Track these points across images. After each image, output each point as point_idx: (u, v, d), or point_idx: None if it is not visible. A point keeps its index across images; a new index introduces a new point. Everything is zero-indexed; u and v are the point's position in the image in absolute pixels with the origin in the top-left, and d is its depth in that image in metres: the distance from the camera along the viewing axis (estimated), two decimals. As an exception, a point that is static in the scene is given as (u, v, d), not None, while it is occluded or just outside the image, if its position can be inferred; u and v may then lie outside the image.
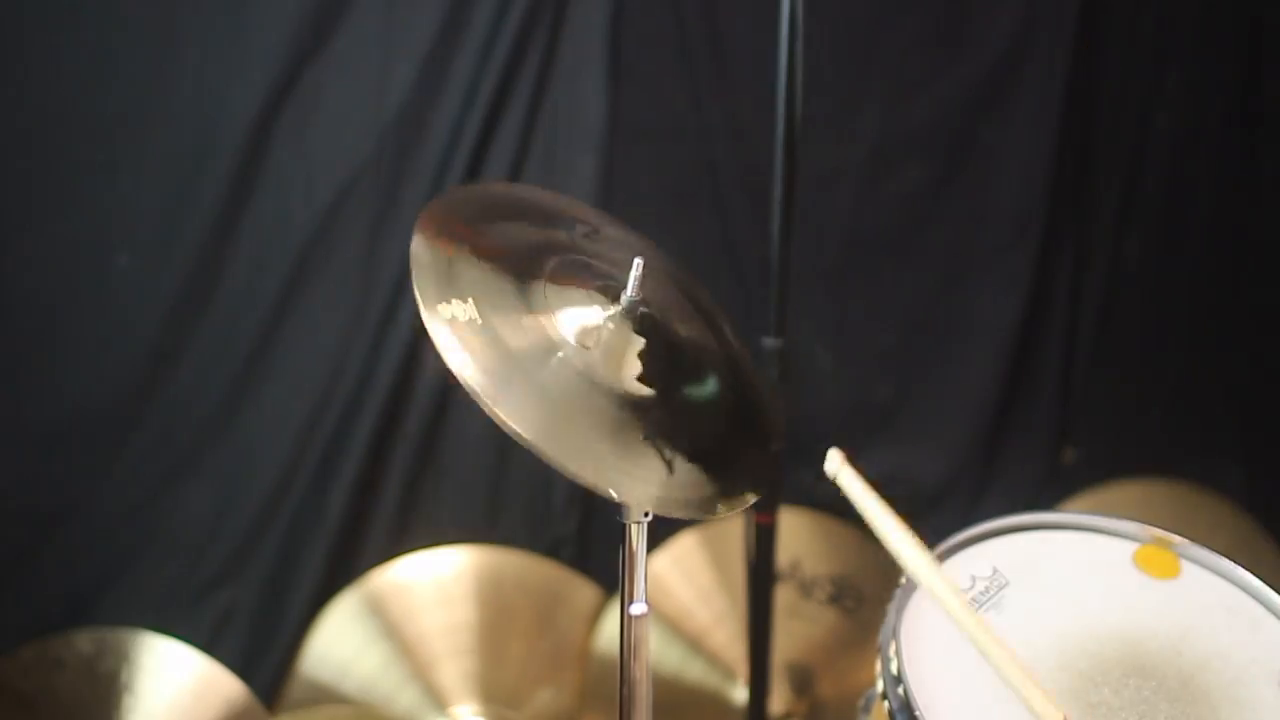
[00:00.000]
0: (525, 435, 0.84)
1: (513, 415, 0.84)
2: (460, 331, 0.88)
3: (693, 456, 0.93)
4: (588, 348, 0.93)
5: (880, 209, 2.07)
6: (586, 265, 1.01)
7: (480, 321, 0.89)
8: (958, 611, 1.02)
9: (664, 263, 1.11)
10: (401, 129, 1.76)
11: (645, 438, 0.91)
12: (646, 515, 0.94)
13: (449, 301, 0.89)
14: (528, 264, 0.97)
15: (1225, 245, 2.19)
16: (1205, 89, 2.09)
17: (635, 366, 0.95)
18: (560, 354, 0.92)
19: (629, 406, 0.92)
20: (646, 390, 0.95)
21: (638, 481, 0.88)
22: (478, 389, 0.84)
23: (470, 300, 0.90)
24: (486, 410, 0.84)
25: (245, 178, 1.71)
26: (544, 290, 0.96)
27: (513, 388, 0.87)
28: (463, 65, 1.75)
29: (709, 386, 1.01)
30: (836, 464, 1.09)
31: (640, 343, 0.97)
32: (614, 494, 0.88)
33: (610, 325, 0.95)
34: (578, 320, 0.95)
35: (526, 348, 0.91)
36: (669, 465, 0.90)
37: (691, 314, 1.08)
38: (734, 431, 1.01)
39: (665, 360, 0.98)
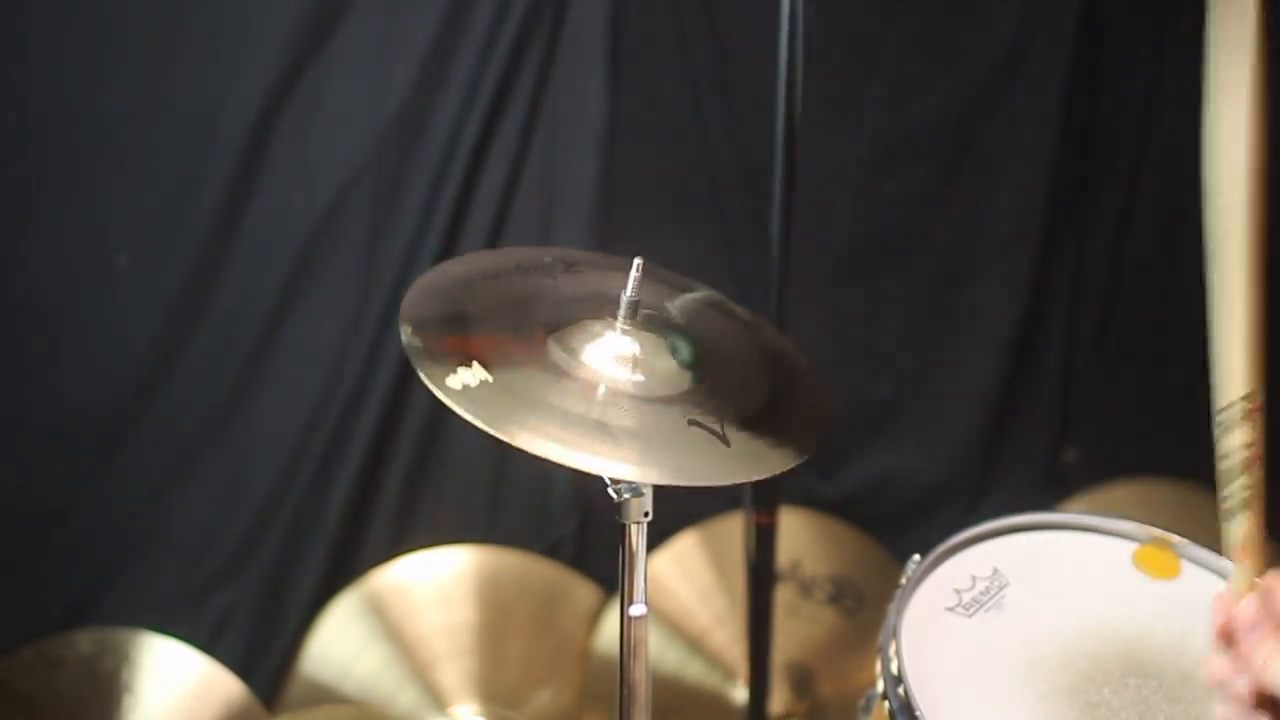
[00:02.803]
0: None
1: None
2: (477, 395, 0.87)
3: (743, 424, 0.93)
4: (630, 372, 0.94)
5: (880, 209, 2.07)
6: (580, 300, 1.02)
7: (491, 380, 0.88)
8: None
9: (655, 268, 1.12)
10: (401, 129, 1.76)
11: (690, 423, 0.91)
12: (646, 515, 0.94)
13: (455, 371, 0.88)
14: (526, 321, 0.98)
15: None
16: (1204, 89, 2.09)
17: (657, 362, 0.96)
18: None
19: (667, 401, 0.93)
20: (682, 380, 0.96)
21: (705, 465, 0.88)
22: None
23: (475, 364, 0.89)
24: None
25: (245, 178, 1.71)
26: (555, 340, 0.96)
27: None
28: (463, 66, 1.75)
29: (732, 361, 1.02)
30: None
31: (656, 339, 0.98)
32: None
33: (632, 343, 0.96)
34: (601, 350, 0.96)
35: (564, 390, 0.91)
36: (724, 439, 0.90)
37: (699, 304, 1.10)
38: (776, 391, 1.02)
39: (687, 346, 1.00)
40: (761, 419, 0.96)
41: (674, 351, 0.99)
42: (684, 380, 0.97)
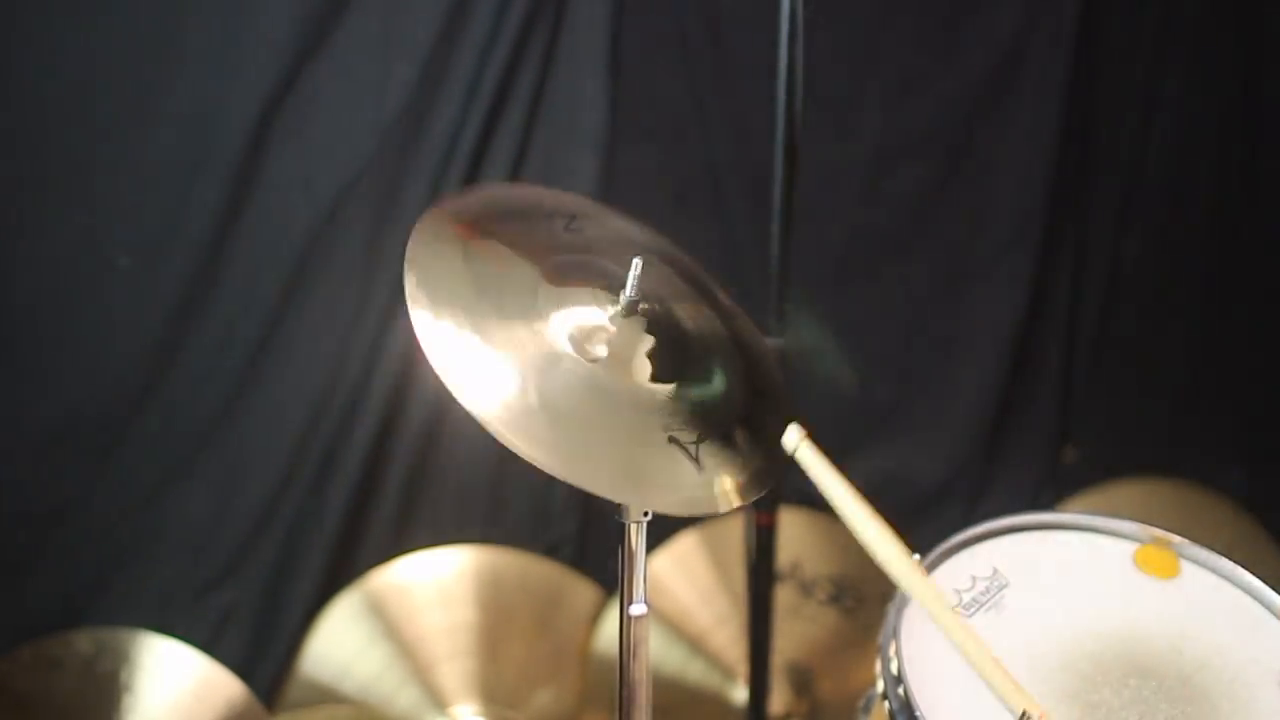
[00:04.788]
0: (545, 464, 0.82)
1: (528, 442, 0.82)
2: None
3: (719, 447, 0.92)
4: (593, 356, 0.90)
5: (880, 209, 2.07)
6: (583, 264, 0.98)
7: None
8: (929, 601, 0.98)
9: (657, 244, 1.08)
10: (401, 129, 1.76)
11: (669, 439, 0.89)
12: (646, 515, 0.94)
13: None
14: (524, 268, 0.94)
15: (1225, 245, 2.19)
16: (1204, 89, 2.10)
17: (645, 366, 0.93)
18: (564, 364, 0.89)
19: (644, 408, 0.91)
20: (661, 389, 0.93)
21: (665, 489, 0.87)
22: (489, 420, 0.82)
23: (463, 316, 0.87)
24: (503, 441, 0.82)
25: (245, 178, 1.71)
26: (542, 295, 0.92)
27: (526, 413, 0.84)
28: (463, 65, 1.75)
29: (717, 374, 0.99)
30: (796, 439, 0.96)
31: (649, 341, 0.95)
32: (645, 511, 0.89)
33: (613, 326, 0.93)
34: (578, 323, 0.92)
35: (527, 360, 0.88)
36: (696, 462, 0.89)
37: (688, 293, 1.06)
38: (749, 413, 0.99)
39: (674, 354, 0.96)
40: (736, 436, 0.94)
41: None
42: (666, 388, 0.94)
